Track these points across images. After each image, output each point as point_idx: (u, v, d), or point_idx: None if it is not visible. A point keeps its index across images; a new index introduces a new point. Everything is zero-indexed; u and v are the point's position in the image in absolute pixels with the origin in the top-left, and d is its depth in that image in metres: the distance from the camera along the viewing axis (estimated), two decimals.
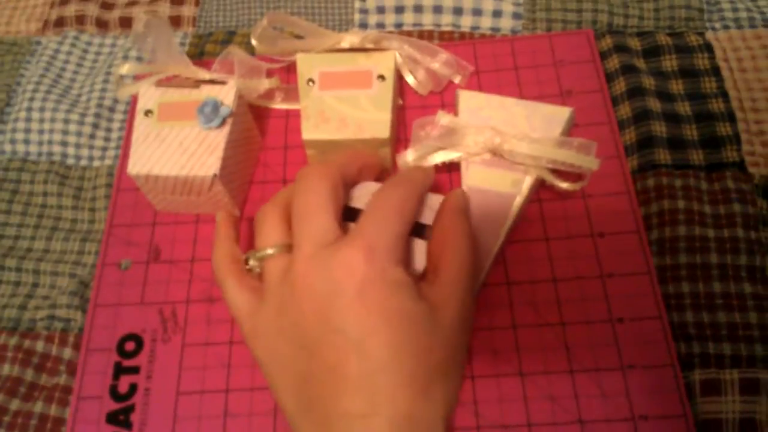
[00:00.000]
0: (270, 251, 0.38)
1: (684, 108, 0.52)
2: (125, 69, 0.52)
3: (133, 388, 0.45)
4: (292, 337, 0.36)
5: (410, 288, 0.36)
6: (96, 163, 0.55)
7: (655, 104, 0.52)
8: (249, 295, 0.39)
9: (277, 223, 0.39)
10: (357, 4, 0.61)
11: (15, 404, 0.45)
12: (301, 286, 0.36)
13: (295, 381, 0.36)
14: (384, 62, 0.49)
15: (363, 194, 0.42)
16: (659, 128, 0.50)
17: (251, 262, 0.39)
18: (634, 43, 0.56)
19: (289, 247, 0.38)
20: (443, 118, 0.48)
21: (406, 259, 0.38)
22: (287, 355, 0.36)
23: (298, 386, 0.35)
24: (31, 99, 0.57)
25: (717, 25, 0.57)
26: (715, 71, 0.54)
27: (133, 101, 0.56)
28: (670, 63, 0.55)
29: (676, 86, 0.54)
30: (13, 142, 0.56)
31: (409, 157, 0.48)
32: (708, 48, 0.55)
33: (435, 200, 0.43)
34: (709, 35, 0.56)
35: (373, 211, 0.37)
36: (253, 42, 0.54)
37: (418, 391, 0.34)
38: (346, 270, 0.34)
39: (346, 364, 0.33)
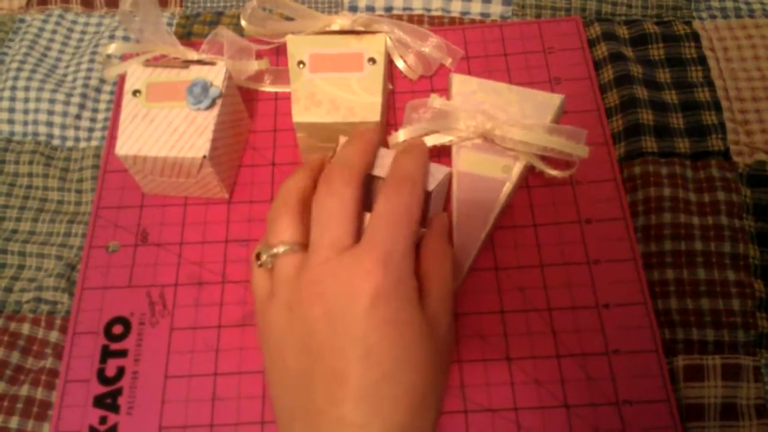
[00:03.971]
0: (282, 249, 0.38)
1: (671, 96, 0.53)
2: (112, 48, 0.52)
3: (120, 371, 0.45)
4: (298, 337, 0.36)
5: (418, 300, 0.36)
6: (82, 144, 0.55)
7: (642, 92, 0.52)
8: (268, 283, 0.39)
9: (290, 221, 0.39)
10: None
11: (1, 387, 0.45)
12: (314, 288, 0.35)
13: (295, 380, 0.35)
14: (375, 45, 0.49)
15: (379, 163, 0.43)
16: (646, 116, 0.51)
17: (263, 257, 0.38)
18: (622, 31, 0.57)
19: (301, 246, 0.38)
20: (436, 101, 0.48)
21: (414, 266, 0.38)
22: (291, 353, 0.36)
23: (296, 386, 0.35)
24: (16, 78, 0.56)
25: (704, 15, 0.57)
26: (702, 60, 0.54)
27: (120, 81, 0.56)
28: (657, 51, 0.55)
29: (663, 75, 0.54)
30: None
31: (400, 137, 0.48)
32: (695, 37, 0.56)
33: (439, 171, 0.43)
34: (696, 24, 0.57)
35: (384, 217, 0.37)
36: (243, 23, 0.53)
37: (417, 401, 0.34)
38: (363, 277, 0.34)
39: (350, 371, 0.33)
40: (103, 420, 0.43)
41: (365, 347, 0.33)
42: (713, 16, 0.57)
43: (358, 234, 0.37)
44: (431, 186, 0.42)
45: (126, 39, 0.59)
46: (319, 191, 0.39)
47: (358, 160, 0.40)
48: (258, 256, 0.39)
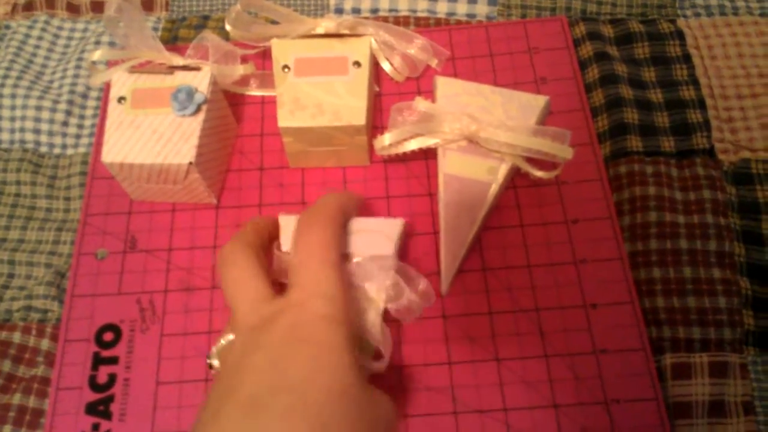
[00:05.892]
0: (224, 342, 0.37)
1: (656, 95, 0.53)
2: (97, 55, 0.52)
3: (112, 378, 0.45)
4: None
5: (345, 336, 0.34)
6: (69, 151, 0.55)
7: (627, 91, 0.52)
8: None
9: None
10: None
11: None
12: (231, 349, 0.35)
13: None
14: (360, 48, 0.49)
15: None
16: (631, 115, 0.51)
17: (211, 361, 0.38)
18: (607, 30, 0.57)
19: None
20: (421, 104, 0.48)
21: (348, 303, 0.36)
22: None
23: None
24: (2, 85, 0.56)
25: (688, 13, 0.58)
26: (686, 58, 0.55)
27: (107, 88, 0.56)
28: (642, 50, 0.55)
29: (648, 74, 0.55)
30: None
31: (386, 141, 0.48)
32: (680, 35, 0.56)
33: (392, 227, 0.42)
34: (681, 22, 0.57)
35: (300, 264, 0.36)
36: (228, 27, 0.53)
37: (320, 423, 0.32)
38: (278, 313, 0.34)
39: (256, 382, 0.32)
40: (95, 427, 0.43)
41: (273, 358, 0.32)
42: (698, 14, 0.57)
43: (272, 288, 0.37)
44: (391, 250, 0.41)
45: (112, 45, 0.59)
46: (221, 264, 0.39)
47: (250, 232, 0.40)
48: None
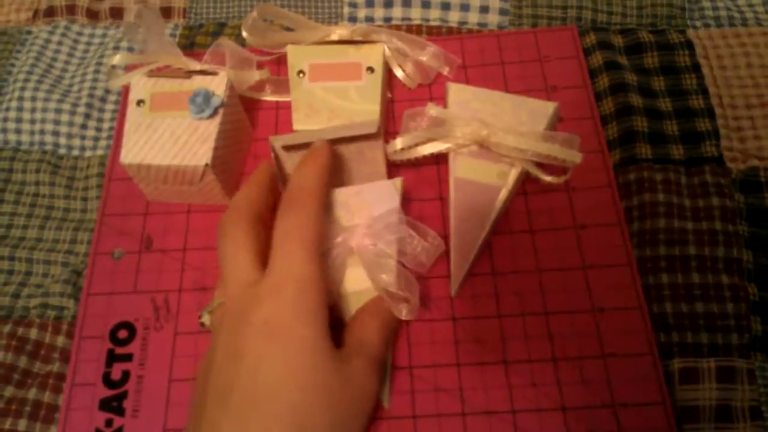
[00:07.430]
0: (216, 302, 0.40)
1: (665, 104, 0.54)
2: (117, 59, 0.53)
3: (125, 375, 0.45)
4: (207, 363, 0.37)
5: (324, 323, 0.36)
6: (88, 153, 0.56)
7: (637, 100, 0.53)
8: None
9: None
10: None
11: (9, 391, 0.46)
12: (220, 324, 0.37)
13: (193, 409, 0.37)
14: (373, 54, 0.50)
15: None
16: (641, 123, 0.52)
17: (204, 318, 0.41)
18: (617, 40, 0.57)
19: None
20: (432, 110, 0.49)
21: (321, 283, 0.37)
22: (202, 373, 0.38)
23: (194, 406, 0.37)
24: (23, 88, 0.57)
25: (698, 23, 0.58)
26: (696, 68, 0.55)
27: (125, 91, 0.57)
28: (651, 60, 0.56)
29: (658, 83, 0.55)
30: (4, 131, 0.56)
31: (398, 145, 0.48)
32: (689, 45, 0.56)
33: (393, 185, 0.45)
34: (690, 33, 0.57)
35: (279, 240, 0.38)
36: (244, 34, 0.54)
37: (296, 420, 0.33)
38: (255, 306, 0.36)
39: (234, 389, 0.34)
40: (108, 423, 0.44)
41: (249, 363, 0.34)
42: (707, 25, 0.58)
43: (262, 261, 0.39)
44: (396, 203, 0.44)
45: (130, 50, 0.60)
46: (217, 235, 0.41)
47: (244, 202, 0.42)
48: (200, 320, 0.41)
